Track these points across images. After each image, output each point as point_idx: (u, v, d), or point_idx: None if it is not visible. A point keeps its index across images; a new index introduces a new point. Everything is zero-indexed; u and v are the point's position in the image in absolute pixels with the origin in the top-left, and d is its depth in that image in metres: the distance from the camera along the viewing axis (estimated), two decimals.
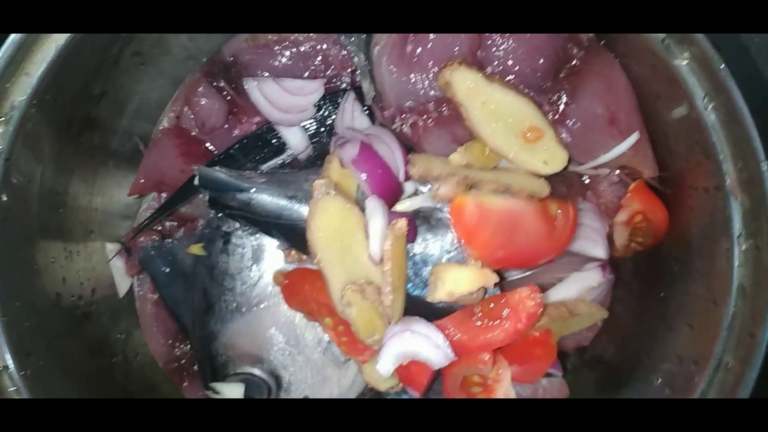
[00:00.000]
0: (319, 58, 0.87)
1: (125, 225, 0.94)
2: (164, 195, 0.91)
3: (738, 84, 0.64)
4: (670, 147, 0.77)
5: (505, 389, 0.77)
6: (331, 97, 0.87)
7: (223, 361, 0.86)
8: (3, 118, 0.69)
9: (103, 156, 0.89)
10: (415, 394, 0.78)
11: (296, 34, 0.86)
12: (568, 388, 0.86)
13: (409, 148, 0.80)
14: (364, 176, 0.75)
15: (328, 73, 0.87)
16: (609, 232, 0.83)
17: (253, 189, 0.79)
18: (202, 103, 0.89)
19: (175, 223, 0.92)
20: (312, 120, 0.87)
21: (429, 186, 0.79)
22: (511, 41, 0.76)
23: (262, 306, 0.85)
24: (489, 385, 0.77)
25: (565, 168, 0.77)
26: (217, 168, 0.81)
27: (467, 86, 0.73)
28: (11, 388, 0.69)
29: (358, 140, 0.77)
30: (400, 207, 0.79)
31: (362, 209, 0.74)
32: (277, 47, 0.87)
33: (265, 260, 0.84)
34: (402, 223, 0.73)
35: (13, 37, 0.66)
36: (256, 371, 0.85)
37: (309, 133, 0.88)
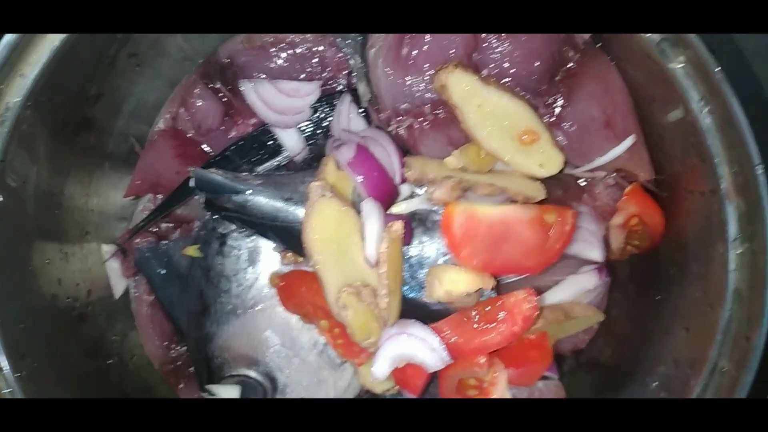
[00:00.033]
0: (316, 60, 0.87)
1: (121, 226, 0.94)
2: (160, 196, 0.91)
3: (733, 87, 0.64)
4: (665, 150, 0.77)
5: (501, 392, 0.76)
6: (327, 99, 0.87)
7: (218, 363, 0.86)
8: None
9: (99, 157, 0.88)
10: (411, 397, 0.78)
11: (292, 36, 0.86)
12: (565, 391, 0.86)
13: (405, 150, 0.80)
14: (360, 178, 0.75)
15: (324, 75, 0.87)
16: (605, 235, 0.83)
17: (249, 191, 0.79)
18: (198, 104, 0.89)
19: (171, 225, 0.92)
20: (308, 122, 0.87)
21: (425, 188, 0.78)
22: (507, 44, 0.76)
23: (257, 308, 0.84)
24: (485, 388, 0.77)
25: (561, 171, 0.77)
26: (212, 170, 0.80)
27: (463, 89, 0.73)
28: (6, 390, 0.69)
29: (354, 142, 0.77)
30: (396, 209, 0.79)
31: (358, 211, 0.74)
32: (273, 49, 0.87)
33: (261, 262, 0.84)
34: (398, 226, 0.73)
35: (7, 38, 0.66)
36: (252, 373, 0.85)
37: (305, 135, 0.88)
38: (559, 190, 0.82)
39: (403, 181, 0.78)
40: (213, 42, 0.89)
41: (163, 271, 0.89)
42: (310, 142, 0.88)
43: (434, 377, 0.77)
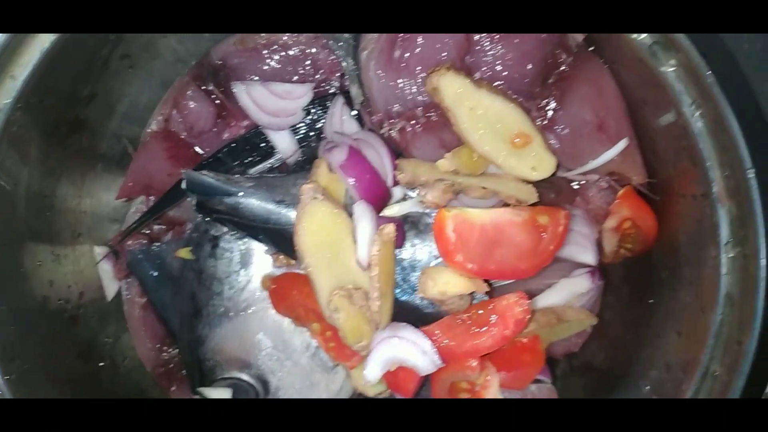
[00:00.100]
0: (308, 62, 0.87)
1: (113, 228, 0.94)
2: (152, 198, 0.91)
3: (725, 91, 0.64)
4: (658, 154, 0.77)
5: (492, 396, 0.76)
6: (320, 102, 0.87)
7: (210, 365, 0.86)
8: None
9: (91, 159, 0.88)
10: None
11: (285, 38, 0.86)
12: (557, 394, 0.86)
13: (398, 153, 0.80)
14: (352, 181, 0.75)
15: (316, 77, 0.87)
16: (598, 239, 0.83)
17: (241, 193, 0.79)
18: (191, 106, 0.89)
19: (164, 227, 0.92)
20: (300, 124, 0.87)
21: (417, 191, 0.78)
22: (499, 46, 0.76)
23: (250, 311, 0.84)
24: (477, 392, 0.77)
25: (554, 174, 0.77)
26: (204, 172, 0.80)
27: (455, 91, 0.73)
28: None
29: (346, 145, 0.77)
30: (388, 212, 0.79)
31: (350, 214, 0.74)
32: (265, 51, 0.86)
33: (253, 265, 0.84)
34: (390, 228, 0.72)
35: None
36: (244, 376, 0.85)
37: (297, 137, 0.88)
38: (552, 194, 0.82)
39: (396, 183, 0.78)
40: (206, 43, 0.89)
41: (156, 274, 0.89)
42: (302, 144, 0.88)
43: (426, 380, 0.77)
